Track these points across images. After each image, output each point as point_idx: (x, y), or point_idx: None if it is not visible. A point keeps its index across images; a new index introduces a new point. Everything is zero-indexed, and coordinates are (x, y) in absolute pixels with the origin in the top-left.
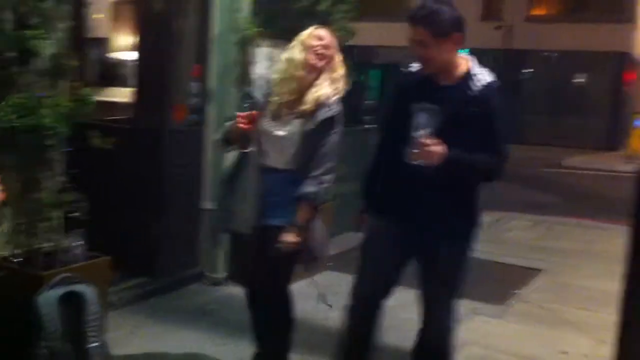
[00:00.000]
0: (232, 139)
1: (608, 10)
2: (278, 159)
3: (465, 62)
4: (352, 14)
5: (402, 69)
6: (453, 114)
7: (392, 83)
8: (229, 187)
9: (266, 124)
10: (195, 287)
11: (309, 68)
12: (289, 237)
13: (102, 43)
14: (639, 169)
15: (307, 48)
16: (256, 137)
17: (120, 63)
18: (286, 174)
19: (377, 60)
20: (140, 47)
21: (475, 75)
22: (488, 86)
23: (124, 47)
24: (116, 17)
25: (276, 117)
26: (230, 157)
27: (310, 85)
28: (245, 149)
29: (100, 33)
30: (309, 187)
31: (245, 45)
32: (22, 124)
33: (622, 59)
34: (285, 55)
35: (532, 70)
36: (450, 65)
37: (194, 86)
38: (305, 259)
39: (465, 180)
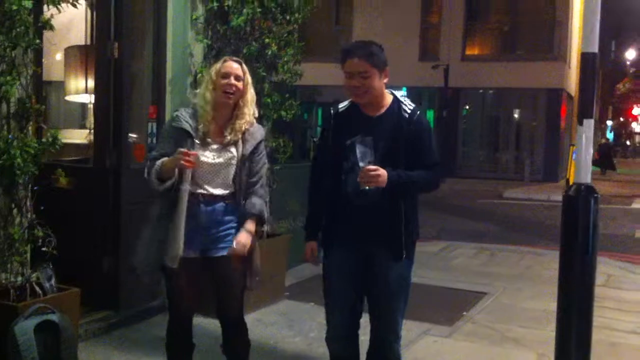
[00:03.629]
0: (166, 176)
1: (539, 49)
2: (214, 186)
3: (388, 94)
4: (299, 57)
5: (331, 108)
6: (390, 139)
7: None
8: (162, 221)
9: (199, 154)
10: (158, 319)
11: (222, 105)
12: (244, 240)
13: (57, 86)
14: (563, 198)
15: (217, 87)
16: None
17: (76, 105)
18: (224, 203)
19: (320, 99)
20: (97, 90)
21: (402, 101)
22: (416, 108)
23: (79, 89)
24: (69, 60)
25: (205, 145)
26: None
27: (229, 115)
28: (180, 184)
29: (55, 76)
30: (259, 206)
31: (198, 87)
32: None
33: (555, 94)
34: (200, 90)
35: (468, 107)
36: (382, 97)
37: (150, 126)
38: (251, 275)
39: (408, 195)
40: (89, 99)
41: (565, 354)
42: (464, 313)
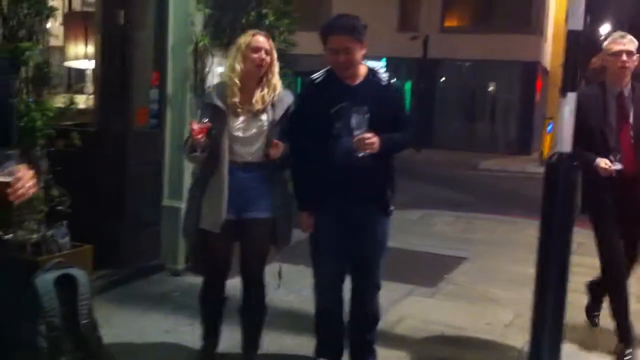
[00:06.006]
0: (196, 147)
1: (517, 22)
2: (249, 154)
3: (362, 63)
4: (294, 27)
5: (308, 78)
6: (374, 106)
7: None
8: (199, 189)
9: (230, 124)
10: (157, 277)
11: (250, 76)
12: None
13: (58, 52)
14: (546, 166)
15: (247, 60)
16: (226, 139)
17: (77, 71)
18: (260, 170)
19: (299, 69)
20: (101, 56)
21: (377, 70)
22: (390, 76)
23: (78, 55)
24: (69, 26)
25: (236, 116)
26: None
27: (257, 85)
28: (204, 154)
29: (56, 42)
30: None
31: (199, 55)
32: (17, 126)
33: (531, 67)
34: (228, 62)
35: (445, 78)
36: (360, 67)
37: (153, 92)
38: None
39: (390, 157)
40: (88, 65)
41: (541, 313)
42: (445, 276)
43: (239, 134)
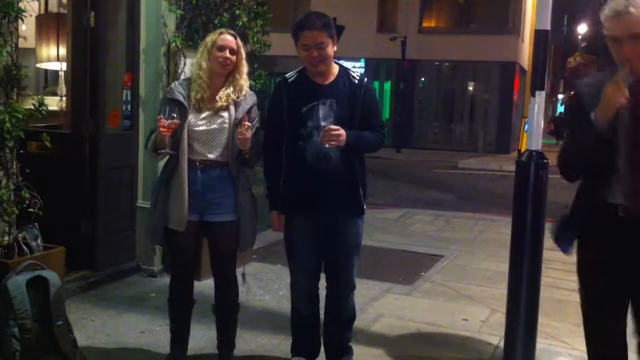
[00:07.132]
0: (160, 145)
1: (494, 23)
2: (209, 151)
3: (334, 62)
4: (267, 28)
5: (280, 79)
6: (345, 104)
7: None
8: (161, 188)
9: (191, 121)
10: (133, 279)
11: (216, 74)
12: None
13: (29, 53)
14: (516, 164)
15: (212, 58)
16: (185, 136)
17: (53, 73)
18: (220, 169)
19: (276, 69)
20: (73, 58)
21: (349, 69)
22: (363, 75)
23: (51, 57)
24: (41, 28)
25: (197, 112)
26: (162, 160)
27: (222, 84)
28: (173, 151)
29: (26, 44)
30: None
31: (171, 56)
32: None
33: (509, 68)
34: (196, 59)
35: (424, 79)
36: (332, 65)
37: (125, 94)
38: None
39: (360, 156)
40: (60, 66)
41: (515, 309)
42: (422, 273)
43: (200, 130)
